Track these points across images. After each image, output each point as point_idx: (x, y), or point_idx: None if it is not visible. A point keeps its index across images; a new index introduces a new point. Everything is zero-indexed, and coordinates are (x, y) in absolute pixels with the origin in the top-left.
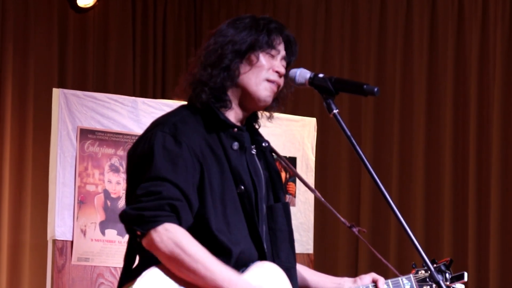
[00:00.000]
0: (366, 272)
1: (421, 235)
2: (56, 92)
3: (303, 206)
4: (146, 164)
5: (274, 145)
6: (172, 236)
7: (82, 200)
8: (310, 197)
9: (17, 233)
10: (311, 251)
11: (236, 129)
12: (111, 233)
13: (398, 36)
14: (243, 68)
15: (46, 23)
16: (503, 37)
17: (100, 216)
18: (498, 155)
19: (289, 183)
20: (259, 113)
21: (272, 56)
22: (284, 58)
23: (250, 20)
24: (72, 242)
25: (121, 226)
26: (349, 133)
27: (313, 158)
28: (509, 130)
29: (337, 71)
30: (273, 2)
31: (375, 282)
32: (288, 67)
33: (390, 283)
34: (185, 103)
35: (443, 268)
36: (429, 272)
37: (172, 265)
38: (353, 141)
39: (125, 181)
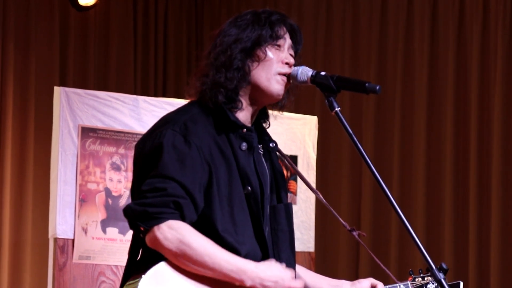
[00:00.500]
0: (367, 271)
1: (422, 234)
2: (58, 90)
3: (304, 204)
4: (154, 161)
5: None
6: (175, 232)
7: (84, 198)
8: (311, 195)
9: (18, 231)
10: (312, 249)
11: (245, 130)
12: (112, 231)
13: (399, 35)
14: (253, 65)
15: (47, 22)
16: (504, 36)
17: (101, 214)
18: (499, 153)
19: (290, 181)
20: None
21: (279, 47)
22: (291, 46)
23: (251, 15)
24: (73, 240)
25: (122, 224)
26: (350, 131)
27: (314, 157)
28: (510, 129)
29: (338, 70)
30: (274, 1)
31: (373, 287)
32: (296, 56)
33: None
34: (189, 100)
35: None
36: (426, 279)
37: (179, 261)
38: (355, 139)
39: (126, 180)
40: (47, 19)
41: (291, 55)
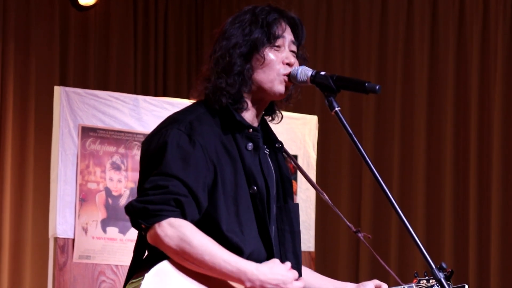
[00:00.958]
0: (367, 271)
1: (422, 234)
2: (58, 90)
3: (304, 204)
4: (158, 159)
5: None
6: (176, 230)
7: (84, 198)
8: (312, 195)
9: (18, 231)
10: (312, 249)
11: (251, 130)
12: (112, 231)
13: (399, 36)
14: (254, 68)
15: (48, 21)
16: (504, 36)
17: (101, 214)
18: (499, 153)
19: None
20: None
21: (279, 48)
22: (292, 42)
23: (249, 16)
24: (73, 240)
25: (122, 224)
26: (350, 131)
27: (315, 156)
28: (510, 129)
29: (338, 70)
30: (273, 1)
31: None
32: (299, 48)
33: None
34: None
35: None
36: (431, 281)
37: (179, 259)
38: (355, 139)
39: (126, 179)
40: (47, 19)
41: (292, 51)
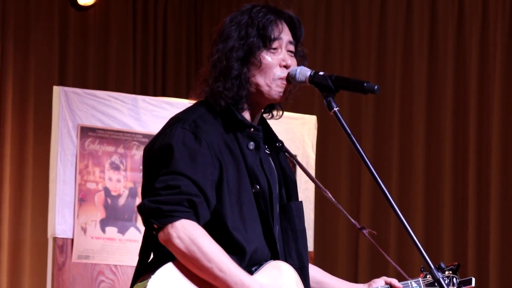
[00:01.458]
0: (366, 270)
1: (421, 233)
2: (57, 90)
3: (303, 204)
4: (165, 159)
5: None
6: (188, 233)
7: (83, 198)
8: (310, 194)
9: (17, 231)
10: (311, 248)
11: (252, 129)
12: (111, 230)
13: (398, 35)
14: (251, 71)
15: (47, 21)
16: (503, 36)
17: (100, 214)
18: (498, 153)
19: None
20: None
21: (275, 50)
22: (290, 42)
23: (246, 17)
24: (72, 240)
25: (121, 223)
26: (349, 131)
27: (313, 156)
28: (509, 129)
29: (337, 70)
30: (273, 1)
31: (389, 284)
32: (297, 46)
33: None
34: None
35: (448, 271)
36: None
37: (186, 262)
38: (353, 139)
39: (125, 179)
40: (47, 19)
41: (290, 51)
